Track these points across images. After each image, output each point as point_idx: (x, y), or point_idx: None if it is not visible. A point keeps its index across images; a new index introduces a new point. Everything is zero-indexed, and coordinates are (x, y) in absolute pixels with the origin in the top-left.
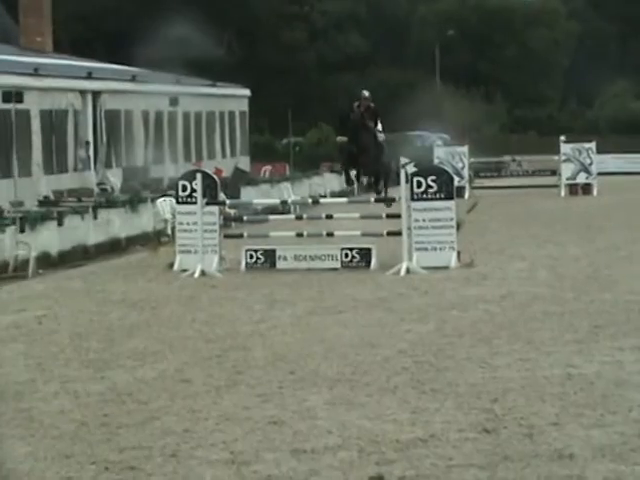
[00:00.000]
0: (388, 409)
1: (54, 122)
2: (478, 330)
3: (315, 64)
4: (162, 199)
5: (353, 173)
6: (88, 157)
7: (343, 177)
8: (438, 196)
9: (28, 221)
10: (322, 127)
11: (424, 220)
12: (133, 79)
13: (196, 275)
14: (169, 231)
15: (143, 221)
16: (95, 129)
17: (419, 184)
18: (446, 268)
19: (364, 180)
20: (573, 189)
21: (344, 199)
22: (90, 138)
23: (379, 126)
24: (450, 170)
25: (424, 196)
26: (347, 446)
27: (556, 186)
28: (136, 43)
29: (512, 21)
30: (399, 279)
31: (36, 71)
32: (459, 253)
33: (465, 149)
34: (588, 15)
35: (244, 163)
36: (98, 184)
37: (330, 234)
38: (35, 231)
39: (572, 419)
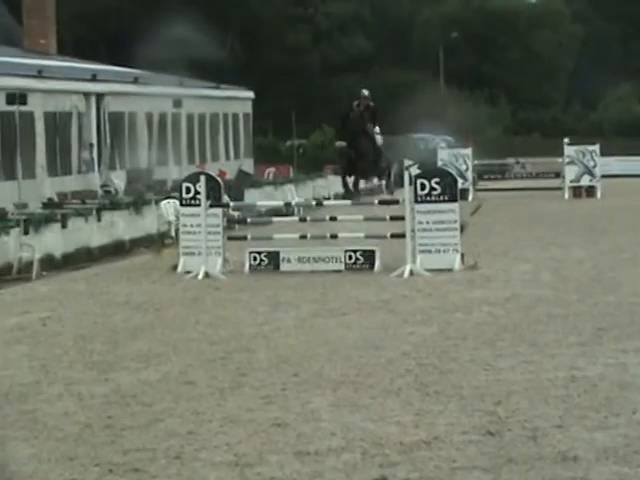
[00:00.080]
0: (392, 411)
1: (58, 124)
2: (482, 332)
3: (319, 66)
4: (166, 201)
5: (351, 180)
6: (92, 159)
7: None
8: (442, 198)
9: (32, 223)
10: (325, 130)
11: (428, 222)
12: (136, 81)
13: (200, 277)
14: (173, 233)
15: (147, 223)
16: (99, 131)
17: (423, 186)
18: (450, 270)
19: (363, 184)
20: (577, 191)
21: (348, 201)
22: (94, 140)
23: (377, 128)
24: (454, 172)
25: (428, 198)
26: (351, 448)
27: (560, 188)
28: (139, 45)
29: (516, 23)
30: (403, 281)
31: (40, 73)
32: (463, 255)
33: (469, 151)
34: (591, 17)
35: (248, 165)
36: (102, 186)
37: (334, 236)
38: (39, 233)
39: (576, 421)
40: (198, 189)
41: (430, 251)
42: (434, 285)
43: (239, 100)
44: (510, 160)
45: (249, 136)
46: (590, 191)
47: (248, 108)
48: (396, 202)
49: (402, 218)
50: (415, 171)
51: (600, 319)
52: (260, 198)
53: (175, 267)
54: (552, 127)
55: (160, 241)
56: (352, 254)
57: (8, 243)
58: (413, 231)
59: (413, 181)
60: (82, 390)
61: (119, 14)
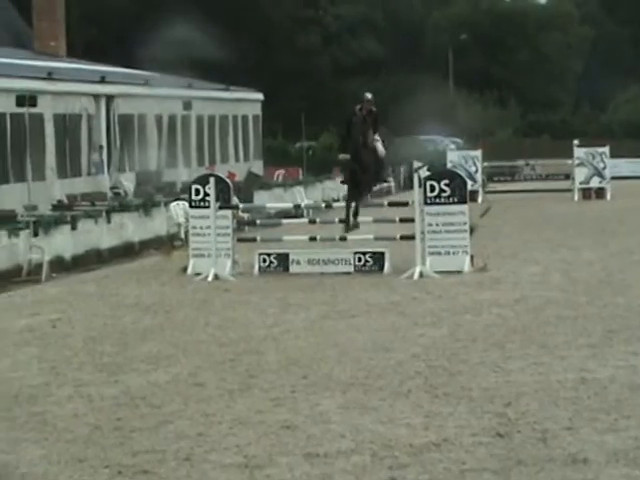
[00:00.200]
0: (401, 413)
1: (68, 126)
2: (491, 334)
3: (329, 68)
4: (175, 203)
5: (353, 206)
6: (101, 161)
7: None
8: (451, 200)
9: (42, 225)
10: (334, 132)
11: (437, 224)
12: (146, 83)
13: (209, 279)
14: (182, 235)
15: (156, 225)
16: (108, 133)
17: (432, 188)
18: (459, 272)
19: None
20: (587, 193)
21: None
22: (104, 142)
23: (376, 136)
24: (463, 174)
25: (437, 200)
26: (360, 450)
27: (569, 190)
28: (149, 47)
29: (525, 25)
30: (412, 283)
31: (50, 75)
32: (472, 257)
33: (478, 153)
34: (601, 19)
35: (257, 167)
36: (111, 188)
37: (343, 238)
38: (49, 235)
39: (586, 423)
40: (207, 191)
41: (440, 253)
42: (444, 287)
43: (249, 102)
44: (520, 162)
45: (258, 138)
46: (600, 193)
47: (258, 110)
48: (405, 204)
49: (412, 220)
50: (424, 173)
51: (610, 321)
52: (269, 200)
53: (185, 269)
54: (562, 129)
55: (169, 243)
56: (361, 256)
57: (18, 245)
58: (423, 233)
59: (423, 183)
60: (92, 392)
61: (129, 16)
